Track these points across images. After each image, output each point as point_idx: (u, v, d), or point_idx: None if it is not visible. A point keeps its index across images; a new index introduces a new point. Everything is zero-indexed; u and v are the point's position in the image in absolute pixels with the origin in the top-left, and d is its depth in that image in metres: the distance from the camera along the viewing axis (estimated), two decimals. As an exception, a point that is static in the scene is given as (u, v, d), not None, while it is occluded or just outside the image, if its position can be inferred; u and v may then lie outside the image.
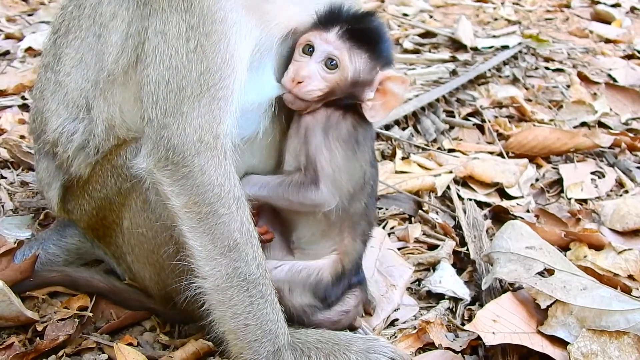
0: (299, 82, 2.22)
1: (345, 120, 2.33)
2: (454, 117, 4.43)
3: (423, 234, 3.15)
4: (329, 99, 2.29)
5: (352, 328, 2.45)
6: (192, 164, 2.04)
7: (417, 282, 2.84)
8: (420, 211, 3.31)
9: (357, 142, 2.34)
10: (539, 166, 3.91)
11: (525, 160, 3.81)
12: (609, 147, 4.09)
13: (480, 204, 3.44)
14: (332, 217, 2.31)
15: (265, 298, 2.11)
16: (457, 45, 5.69)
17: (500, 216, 3.35)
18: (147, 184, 2.16)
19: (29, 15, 5.72)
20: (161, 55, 2.06)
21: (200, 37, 2.03)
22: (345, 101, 2.31)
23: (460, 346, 2.44)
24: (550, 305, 2.46)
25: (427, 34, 5.98)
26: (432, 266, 2.91)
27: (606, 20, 6.72)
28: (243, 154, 2.17)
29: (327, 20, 2.26)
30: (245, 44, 2.09)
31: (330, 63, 2.25)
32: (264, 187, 2.30)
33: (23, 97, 4.19)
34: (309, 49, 2.26)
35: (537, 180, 3.77)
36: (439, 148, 4.02)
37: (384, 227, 3.16)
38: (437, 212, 3.34)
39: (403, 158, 3.78)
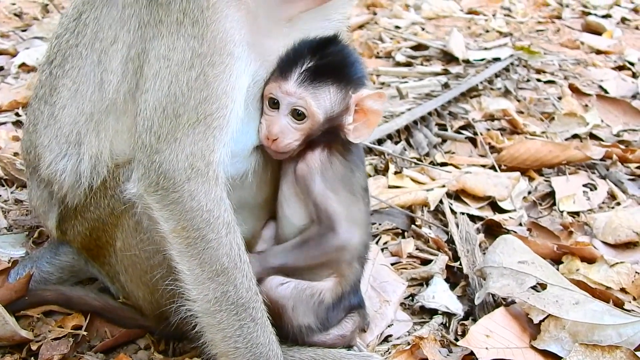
0: (274, 140, 2.21)
1: (334, 155, 2.29)
2: (446, 130, 4.44)
3: (416, 249, 3.15)
4: (310, 139, 2.26)
5: (347, 345, 2.45)
6: (182, 190, 2.03)
7: (411, 298, 2.84)
8: (413, 226, 3.31)
9: (352, 172, 2.32)
10: (531, 179, 3.92)
11: (518, 174, 3.81)
12: (601, 159, 4.10)
13: (473, 218, 3.45)
14: None
15: (255, 321, 2.10)
16: (449, 57, 5.72)
17: (493, 230, 3.36)
18: (139, 208, 2.16)
19: (23, 30, 5.69)
20: (161, 81, 2.05)
21: (205, 66, 2.02)
22: (326, 137, 2.27)
23: (454, 362, 2.45)
24: (543, 320, 2.48)
25: (419, 47, 6.00)
26: (426, 281, 2.91)
27: (597, 31, 6.75)
28: (234, 188, 2.17)
29: (284, 68, 2.19)
30: (244, 78, 2.10)
31: (297, 114, 2.21)
32: (286, 255, 2.28)
33: (17, 114, 4.18)
34: (274, 102, 2.22)
35: (529, 193, 3.78)
36: (431, 162, 4.03)
37: (377, 243, 3.16)
38: (430, 227, 3.35)
39: (396, 172, 3.78)
